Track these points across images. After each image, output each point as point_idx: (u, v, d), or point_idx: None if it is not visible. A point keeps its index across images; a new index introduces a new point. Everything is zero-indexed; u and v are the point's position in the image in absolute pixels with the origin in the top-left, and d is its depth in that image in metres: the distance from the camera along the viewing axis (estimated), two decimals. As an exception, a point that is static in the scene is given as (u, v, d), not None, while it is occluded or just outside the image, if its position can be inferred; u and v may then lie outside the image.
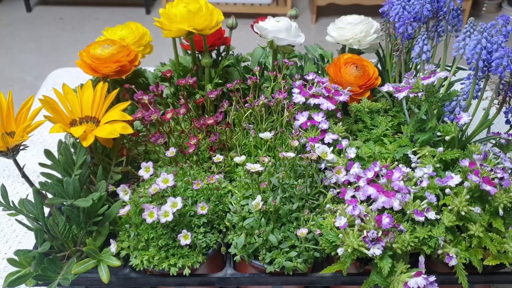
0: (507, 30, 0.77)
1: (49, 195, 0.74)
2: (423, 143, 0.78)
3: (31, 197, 0.72)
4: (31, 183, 0.77)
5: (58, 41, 3.17)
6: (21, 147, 0.74)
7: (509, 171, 0.72)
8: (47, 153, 0.76)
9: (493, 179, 0.68)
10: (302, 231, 0.67)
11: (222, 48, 1.07)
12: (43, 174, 0.75)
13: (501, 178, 0.69)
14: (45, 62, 2.91)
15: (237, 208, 0.71)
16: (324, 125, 0.79)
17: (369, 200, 0.69)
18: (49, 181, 0.72)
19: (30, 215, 0.71)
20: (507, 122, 0.82)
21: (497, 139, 0.82)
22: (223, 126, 0.86)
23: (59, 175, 0.75)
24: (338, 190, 0.73)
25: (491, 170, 0.69)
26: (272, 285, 0.74)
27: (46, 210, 0.74)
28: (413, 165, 0.75)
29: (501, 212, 0.67)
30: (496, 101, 0.79)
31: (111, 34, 0.96)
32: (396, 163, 0.76)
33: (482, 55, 0.74)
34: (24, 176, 0.76)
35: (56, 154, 0.78)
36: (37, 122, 0.72)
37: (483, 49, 0.74)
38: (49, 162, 0.76)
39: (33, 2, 3.64)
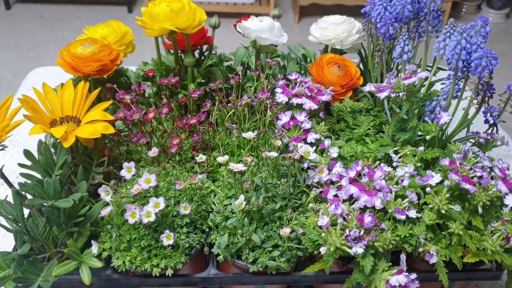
0: (486, 31, 0.78)
1: (29, 196, 0.73)
2: (404, 143, 0.78)
3: (10, 198, 0.71)
4: (10, 184, 0.75)
5: (38, 39, 3.12)
6: (0, 148, 0.73)
7: (488, 170, 0.74)
8: (27, 153, 0.75)
9: (472, 177, 0.69)
10: (285, 231, 0.68)
11: (205, 47, 1.06)
12: (22, 174, 0.74)
13: (480, 177, 0.70)
14: (24, 61, 2.86)
15: (220, 208, 0.71)
16: (307, 125, 0.80)
17: (351, 199, 0.70)
18: (28, 182, 0.71)
19: (9, 216, 0.70)
20: (486, 121, 0.84)
21: (476, 138, 0.84)
22: (206, 126, 0.85)
23: (39, 176, 0.74)
24: (320, 190, 0.73)
25: (471, 169, 0.70)
26: (255, 285, 0.74)
27: (26, 212, 0.73)
28: (394, 164, 0.76)
29: (480, 210, 0.68)
30: (475, 101, 0.80)
31: (92, 33, 0.95)
32: (377, 162, 0.77)
33: (462, 55, 0.75)
34: (3, 177, 0.75)
35: (36, 154, 0.76)
36: (16, 121, 0.70)
37: (462, 50, 0.75)
38: (28, 163, 0.75)
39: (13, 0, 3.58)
